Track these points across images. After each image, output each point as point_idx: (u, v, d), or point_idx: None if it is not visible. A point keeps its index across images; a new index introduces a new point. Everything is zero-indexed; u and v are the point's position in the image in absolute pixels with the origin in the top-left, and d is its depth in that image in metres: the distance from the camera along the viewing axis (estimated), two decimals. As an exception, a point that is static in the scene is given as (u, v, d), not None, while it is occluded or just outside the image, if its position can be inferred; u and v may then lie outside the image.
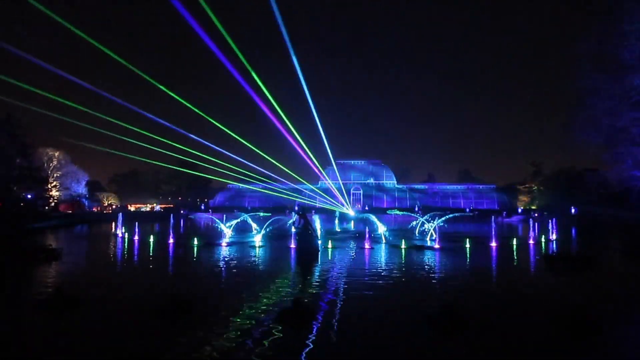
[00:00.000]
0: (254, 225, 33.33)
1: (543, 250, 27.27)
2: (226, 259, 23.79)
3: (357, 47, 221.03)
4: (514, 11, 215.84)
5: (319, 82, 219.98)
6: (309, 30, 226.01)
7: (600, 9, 43.17)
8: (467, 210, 76.50)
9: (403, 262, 22.81)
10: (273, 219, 35.80)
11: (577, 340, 10.09)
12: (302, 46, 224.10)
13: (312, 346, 9.69)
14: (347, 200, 71.05)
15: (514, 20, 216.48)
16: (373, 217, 36.52)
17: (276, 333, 10.36)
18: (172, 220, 33.02)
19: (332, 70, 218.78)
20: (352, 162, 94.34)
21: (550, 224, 34.44)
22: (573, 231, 44.33)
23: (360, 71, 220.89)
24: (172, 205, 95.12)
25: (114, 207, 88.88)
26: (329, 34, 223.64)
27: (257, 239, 29.13)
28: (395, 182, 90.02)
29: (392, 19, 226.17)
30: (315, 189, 68.52)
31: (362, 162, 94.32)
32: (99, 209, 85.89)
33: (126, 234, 35.41)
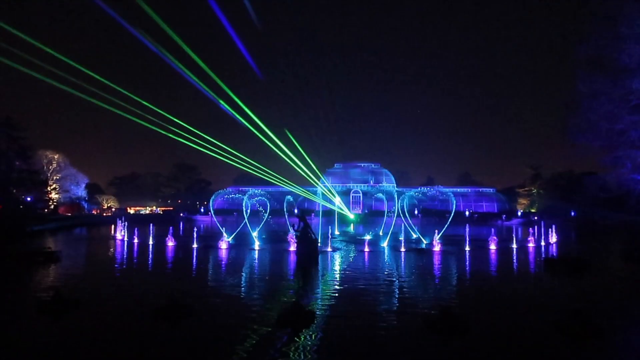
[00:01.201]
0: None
1: (543, 254, 27.25)
2: (226, 262, 23.78)
3: (356, 49, 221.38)
4: (514, 15, 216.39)
5: (318, 84, 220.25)
6: (308, 31, 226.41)
7: (599, 12, 43.25)
8: (467, 213, 76.54)
9: (402, 265, 22.83)
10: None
11: (577, 344, 10.08)
12: (301, 48, 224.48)
13: (311, 349, 9.69)
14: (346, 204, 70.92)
15: (513, 24, 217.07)
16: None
17: (276, 336, 10.35)
18: (171, 223, 32.98)
19: (332, 73, 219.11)
20: (352, 165, 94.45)
21: (550, 227, 34.46)
22: (573, 234, 44.35)
23: (360, 74, 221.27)
24: (171, 208, 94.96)
25: (113, 210, 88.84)
26: (329, 36, 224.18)
27: (256, 244, 29.13)
28: (395, 185, 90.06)
29: (393, 22, 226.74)
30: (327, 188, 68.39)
31: (362, 165, 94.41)
32: (98, 211, 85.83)
33: (125, 237, 35.37)
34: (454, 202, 33.74)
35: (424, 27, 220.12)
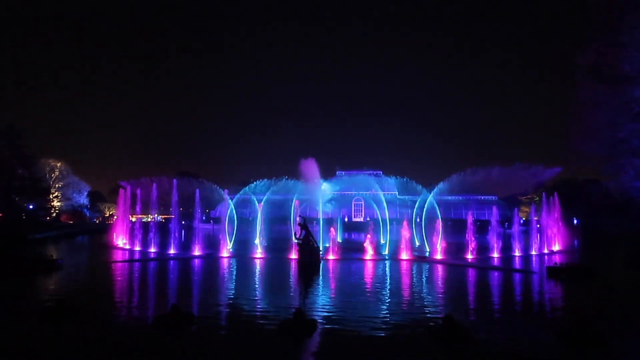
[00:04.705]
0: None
1: (545, 261, 27.11)
2: (227, 271, 23.73)
3: (359, 57, 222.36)
4: (515, 21, 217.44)
5: (320, 89, 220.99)
6: (307, 38, 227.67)
7: (600, 20, 43.32)
8: (469, 221, 76.24)
9: (404, 273, 22.75)
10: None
11: (580, 351, 9.98)
12: (301, 53, 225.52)
13: (313, 358, 9.63)
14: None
15: (514, 30, 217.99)
16: None
17: (277, 345, 10.29)
18: (172, 231, 32.98)
19: (334, 80, 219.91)
20: (354, 173, 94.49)
21: (552, 235, 34.34)
22: (575, 242, 44.15)
23: (362, 81, 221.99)
24: (173, 216, 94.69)
25: (115, 217, 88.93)
26: (329, 43, 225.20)
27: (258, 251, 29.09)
28: (397, 193, 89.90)
29: (393, 29, 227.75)
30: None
31: (364, 173, 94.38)
32: (100, 219, 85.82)
33: (127, 245, 35.36)
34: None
35: (423, 32, 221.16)
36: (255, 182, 40.68)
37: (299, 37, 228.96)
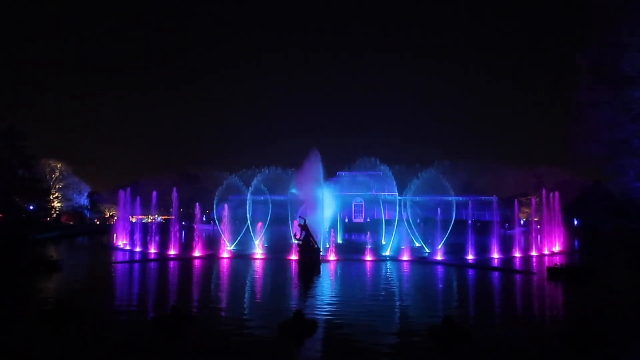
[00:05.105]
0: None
1: (546, 262, 27.09)
2: (227, 272, 23.72)
3: (360, 62, 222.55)
4: (514, 21, 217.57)
5: (320, 91, 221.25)
6: (307, 39, 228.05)
7: (601, 20, 43.32)
8: (469, 221, 76.09)
9: (405, 274, 22.77)
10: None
11: (581, 352, 9.98)
12: (300, 54, 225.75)
13: (313, 358, 9.63)
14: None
15: (512, 30, 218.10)
16: None
17: (277, 345, 10.29)
18: (172, 232, 33.00)
19: (334, 81, 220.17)
20: (354, 174, 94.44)
21: (553, 236, 34.33)
22: (576, 243, 44.13)
23: (364, 84, 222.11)
24: (173, 217, 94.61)
25: (115, 218, 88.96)
26: (328, 44, 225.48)
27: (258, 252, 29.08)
28: (397, 194, 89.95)
29: (393, 33, 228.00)
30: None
31: (364, 174, 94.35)
32: (100, 220, 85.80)
33: (127, 246, 35.35)
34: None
35: (423, 35, 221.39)
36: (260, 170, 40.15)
37: (298, 39, 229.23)
